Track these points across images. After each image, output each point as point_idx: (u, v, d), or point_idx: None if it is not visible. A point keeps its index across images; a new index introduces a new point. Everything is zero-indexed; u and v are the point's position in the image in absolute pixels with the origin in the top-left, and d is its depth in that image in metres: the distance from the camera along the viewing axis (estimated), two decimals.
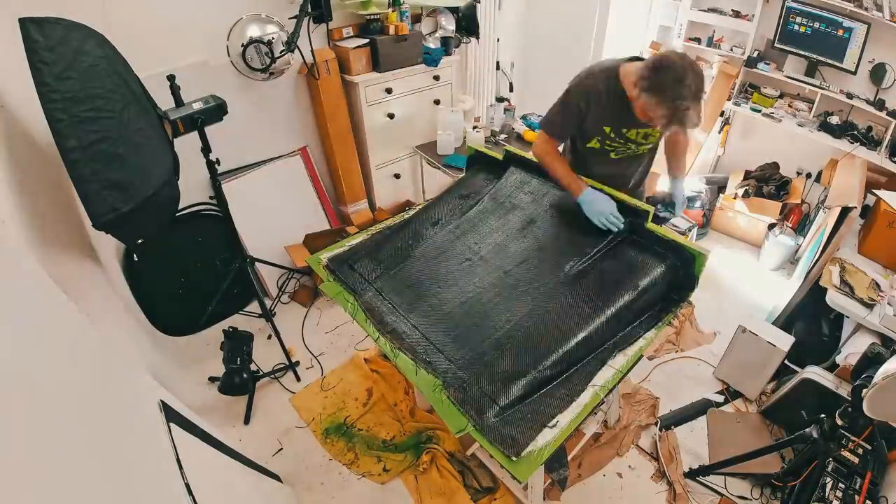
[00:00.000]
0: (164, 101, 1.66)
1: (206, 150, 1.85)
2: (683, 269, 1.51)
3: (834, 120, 2.95)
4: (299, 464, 1.98)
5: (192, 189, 2.39)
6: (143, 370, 1.25)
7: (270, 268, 2.66)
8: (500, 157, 2.06)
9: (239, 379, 2.02)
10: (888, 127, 2.73)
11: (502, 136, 2.90)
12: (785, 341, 2.09)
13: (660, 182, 3.44)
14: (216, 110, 1.76)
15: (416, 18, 2.94)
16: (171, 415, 1.04)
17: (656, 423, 2.11)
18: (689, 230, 2.80)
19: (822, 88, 2.93)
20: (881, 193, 2.23)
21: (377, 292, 1.52)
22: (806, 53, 2.98)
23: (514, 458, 1.10)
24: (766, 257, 3.13)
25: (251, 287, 2.29)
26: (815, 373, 1.91)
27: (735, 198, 3.30)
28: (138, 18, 2.01)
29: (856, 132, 2.85)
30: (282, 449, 2.03)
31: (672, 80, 1.32)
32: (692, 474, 1.90)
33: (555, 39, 3.61)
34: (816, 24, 2.87)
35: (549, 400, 1.22)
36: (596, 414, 1.96)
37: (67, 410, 0.70)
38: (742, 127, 3.48)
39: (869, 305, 1.99)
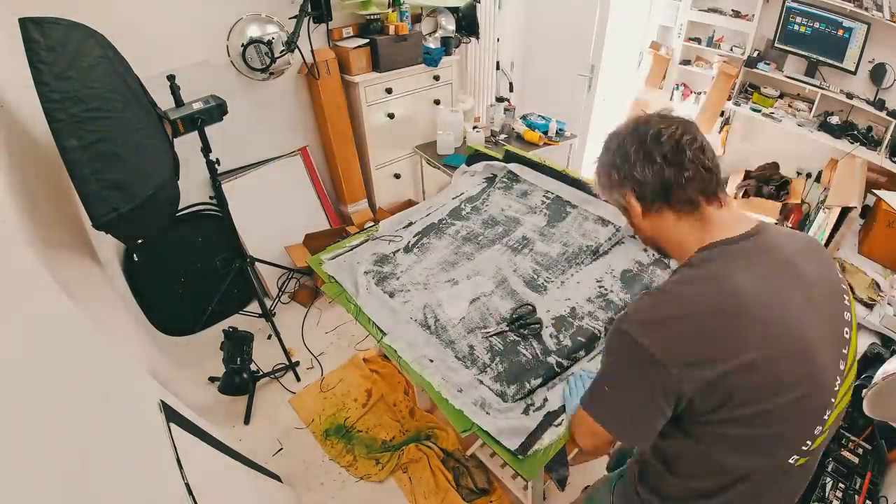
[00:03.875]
0: (164, 101, 1.66)
1: (206, 150, 1.85)
2: None
3: (834, 120, 2.95)
4: (299, 464, 1.98)
5: (192, 189, 2.39)
6: (143, 370, 1.25)
7: (270, 268, 2.65)
8: (500, 156, 2.06)
9: (239, 379, 2.02)
10: (888, 127, 2.72)
11: (502, 136, 2.90)
12: None
13: None
14: (216, 110, 1.76)
15: (416, 18, 2.94)
16: (171, 415, 1.04)
17: None
18: None
19: (822, 88, 2.93)
20: (881, 193, 2.23)
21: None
22: (806, 53, 2.98)
23: (521, 457, 1.10)
24: None
25: (251, 287, 2.29)
26: None
27: (735, 198, 3.30)
28: (138, 18, 2.01)
29: (856, 132, 2.85)
30: (282, 449, 2.03)
31: None
32: None
33: (555, 39, 3.61)
34: (816, 24, 2.87)
35: (555, 398, 1.22)
36: None
37: (67, 410, 0.70)
38: (742, 127, 3.47)
39: (869, 305, 1.99)
